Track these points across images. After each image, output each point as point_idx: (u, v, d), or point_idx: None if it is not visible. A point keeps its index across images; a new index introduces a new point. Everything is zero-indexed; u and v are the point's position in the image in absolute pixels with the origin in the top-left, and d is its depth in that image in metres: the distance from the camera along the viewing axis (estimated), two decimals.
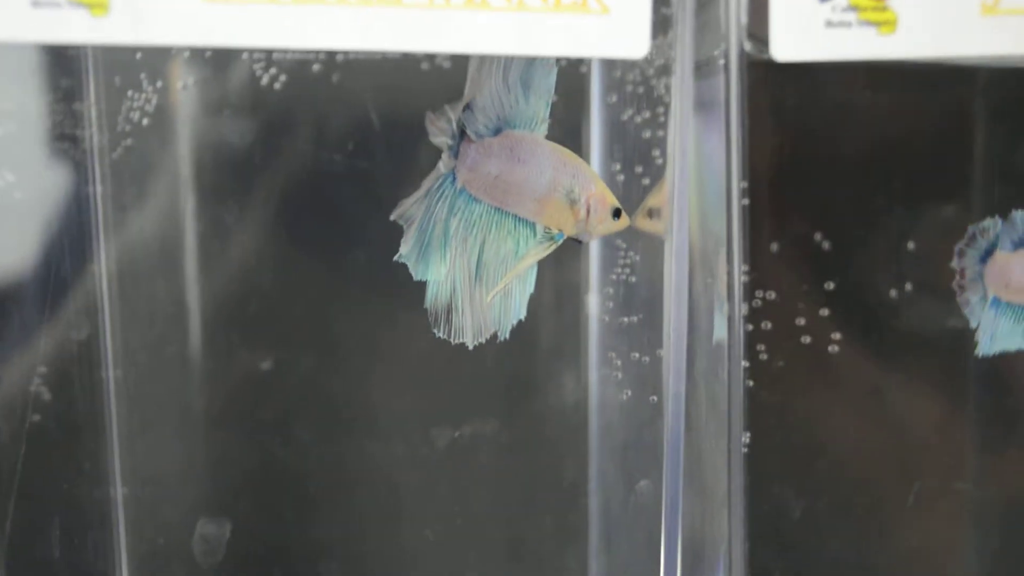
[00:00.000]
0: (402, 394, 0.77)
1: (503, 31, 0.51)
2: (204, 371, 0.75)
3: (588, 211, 0.59)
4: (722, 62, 0.55)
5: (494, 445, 0.76)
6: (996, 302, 0.63)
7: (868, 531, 0.65)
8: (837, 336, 0.61)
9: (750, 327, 0.57)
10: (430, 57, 0.70)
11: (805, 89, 0.61)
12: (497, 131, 0.58)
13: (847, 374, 0.62)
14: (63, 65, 0.70)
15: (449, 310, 0.60)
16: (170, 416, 0.75)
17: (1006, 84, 0.65)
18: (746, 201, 0.55)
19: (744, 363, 0.57)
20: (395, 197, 0.73)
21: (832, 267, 0.61)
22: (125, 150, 0.72)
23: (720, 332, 0.58)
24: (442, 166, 0.59)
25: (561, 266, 0.73)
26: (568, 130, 0.67)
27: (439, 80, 0.71)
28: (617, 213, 0.59)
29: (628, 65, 0.59)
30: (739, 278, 0.55)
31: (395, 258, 0.59)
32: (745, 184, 0.55)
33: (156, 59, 0.72)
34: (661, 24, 0.54)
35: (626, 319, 0.64)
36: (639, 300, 0.60)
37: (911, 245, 0.64)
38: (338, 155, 0.73)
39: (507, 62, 0.57)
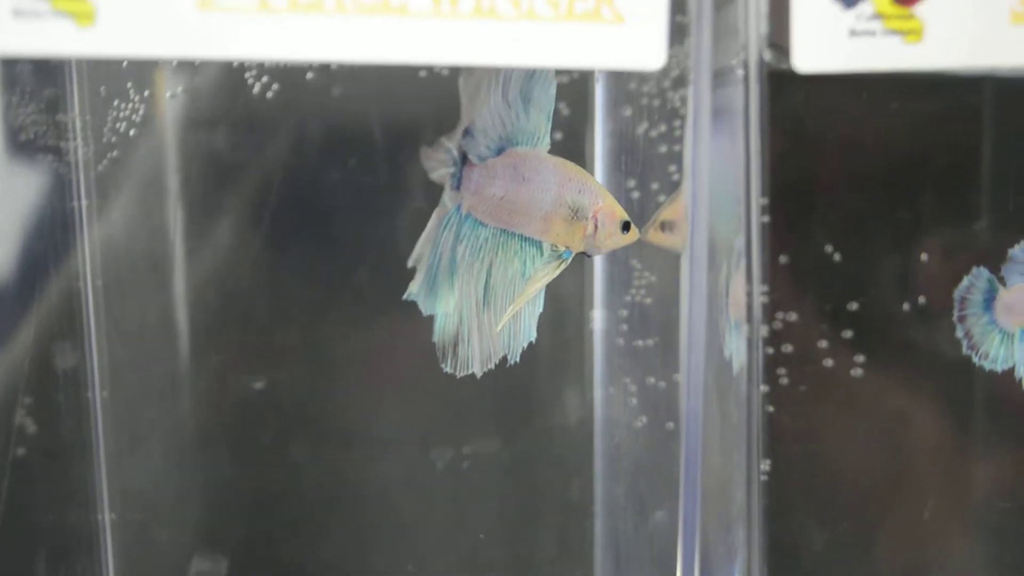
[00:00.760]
0: (401, 413, 0.74)
1: (512, 42, 0.49)
2: (194, 391, 0.72)
3: (596, 226, 0.56)
4: (740, 72, 0.53)
5: (496, 466, 0.74)
6: None
7: (893, 562, 0.62)
8: (861, 359, 0.58)
9: (770, 350, 0.55)
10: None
11: (828, 100, 0.58)
12: (500, 150, 0.56)
13: (871, 398, 0.60)
14: (45, 73, 0.67)
15: (456, 342, 0.57)
16: (159, 438, 0.72)
17: None
18: (766, 218, 0.52)
19: (763, 387, 0.54)
20: (392, 209, 0.70)
21: (856, 287, 0.58)
22: (111, 162, 0.69)
23: (734, 355, 0.56)
24: (447, 200, 0.57)
25: (564, 282, 0.70)
26: (579, 145, 0.65)
27: (437, 88, 0.68)
28: (626, 226, 0.57)
29: (642, 76, 0.56)
30: (758, 299, 0.53)
31: (404, 297, 0.57)
32: (765, 201, 0.52)
33: (143, 67, 0.69)
34: (677, 33, 0.51)
35: (641, 342, 0.61)
36: (654, 323, 0.58)
37: (938, 262, 0.62)
38: (333, 167, 0.71)
39: (506, 78, 0.55)
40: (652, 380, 0.58)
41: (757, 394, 0.54)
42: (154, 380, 0.71)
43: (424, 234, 0.57)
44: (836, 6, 0.50)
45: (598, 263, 0.69)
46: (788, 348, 0.55)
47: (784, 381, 0.55)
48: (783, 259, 0.55)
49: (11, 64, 0.65)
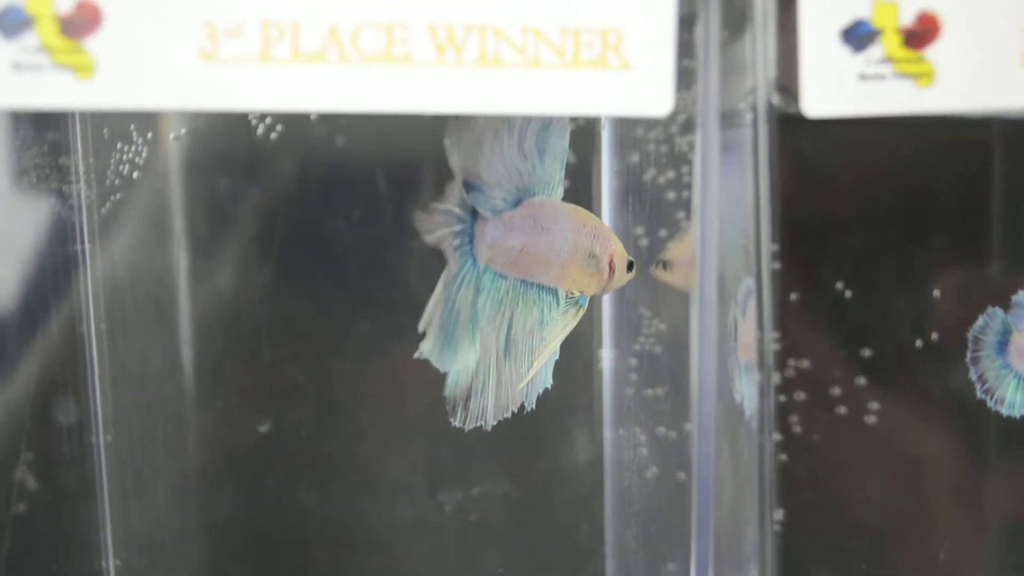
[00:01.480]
0: (409, 456, 0.73)
1: (517, 89, 0.48)
2: (199, 434, 0.71)
3: (612, 270, 0.56)
4: (749, 116, 0.52)
5: (505, 507, 0.73)
6: None
7: None
8: (875, 406, 0.57)
9: (782, 398, 0.54)
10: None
11: (838, 141, 0.58)
12: (516, 202, 0.55)
13: (887, 447, 0.59)
14: (48, 116, 0.67)
15: (468, 396, 0.57)
16: (163, 482, 0.71)
17: None
18: (777, 265, 0.51)
19: (776, 436, 0.53)
20: (399, 250, 0.70)
21: (869, 333, 0.57)
22: (114, 205, 0.69)
23: (745, 399, 0.55)
24: (452, 264, 0.56)
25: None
26: (586, 193, 0.64)
27: (442, 128, 0.67)
28: (631, 266, 0.57)
29: (649, 122, 0.56)
30: (770, 346, 0.52)
31: (416, 356, 0.56)
32: (776, 247, 0.51)
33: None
34: (684, 77, 0.50)
35: (651, 391, 0.60)
36: (664, 371, 0.57)
37: (952, 302, 0.61)
38: (339, 208, 0.70)
39: (521, 129, 0.54)
40: (663, 430, 0.57)
41: (770, 443, 0.53)
42: (158, 423, 0.71)
43: (433, 298, 0.56)
44: (845, 49, 0.49)
45: (606, 305, 0.68)
46: (801, 396, 0.54)
47: (797, 429, 0.54)
48: (794, 303, 0.54)
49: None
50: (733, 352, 0.56)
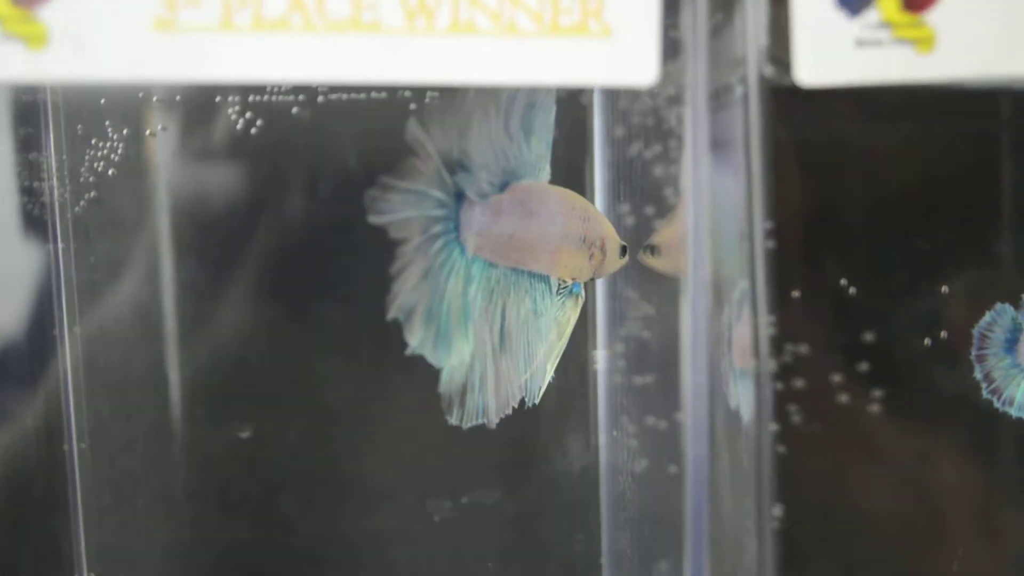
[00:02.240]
0: (397, 463, 0.70)
1: (493, 58, 0.46)
2: (178, 442, 0.68)
3: (604, 254, 0.54)
4: (740, 89, 0.49)
5: (498, 517, 0.70)
6: None
7: None
8: (879, 394, 0.54)
9: (779, 386, 0.51)
10: (419, 96, 0.64)
11: (836, 118, 0.55)
12: (503, 186, 0.53)
13: (891, 437, 0.56)
14: (18, 112, 0.65)
15: (464, 392, 0.54)
16: (142, 492, 0.69)
17: None
18: (771, 243, 0.48)
19: (773, 426, 0.50)
20: (385, 249, 0.67)
21: (872, 316, 0.54)
22: (89, 204, 0.66)
23: (741, 405, 0.52)
24: (422, 249, 0.52)
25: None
26: (570, 170, 0.62)
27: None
28: (624, 251, 0.55)
29: (635, 94, 0.53)
30: (766, 331, 0.49)
31: (408, 352, 0.53)
32: (770, 224, 0.48)
33: (121, 105, 0.66)
34: (671, 48, 0.48)
35: (639, 379, 0.57)
36: (653, 358, 0.54)
37: (957, 294, 0.58)
38: (323, 207, 0.68)
39: (507, 108, 0.51)
40: (652, 420, 0.54)
41: (766, 434, 0.50)
42: (136, 431, 0.68)
43: (405, 283, 0.53)
44: (840, 14, 0.47)
45: (600, 300, 0.66)
46: (799, 383, 0.51)
47: (796, 419, 0.51)
48: (791, 287, 0.51)
49: None
50: (727, 357, 0.53)
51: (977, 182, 0.59)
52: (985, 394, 0.59)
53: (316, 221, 0.68)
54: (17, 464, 0.65)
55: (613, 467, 0.67)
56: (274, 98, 0.65)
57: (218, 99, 0.66)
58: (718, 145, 0.50)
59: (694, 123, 0.49)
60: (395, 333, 0.68)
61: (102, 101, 0.66)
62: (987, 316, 0.60)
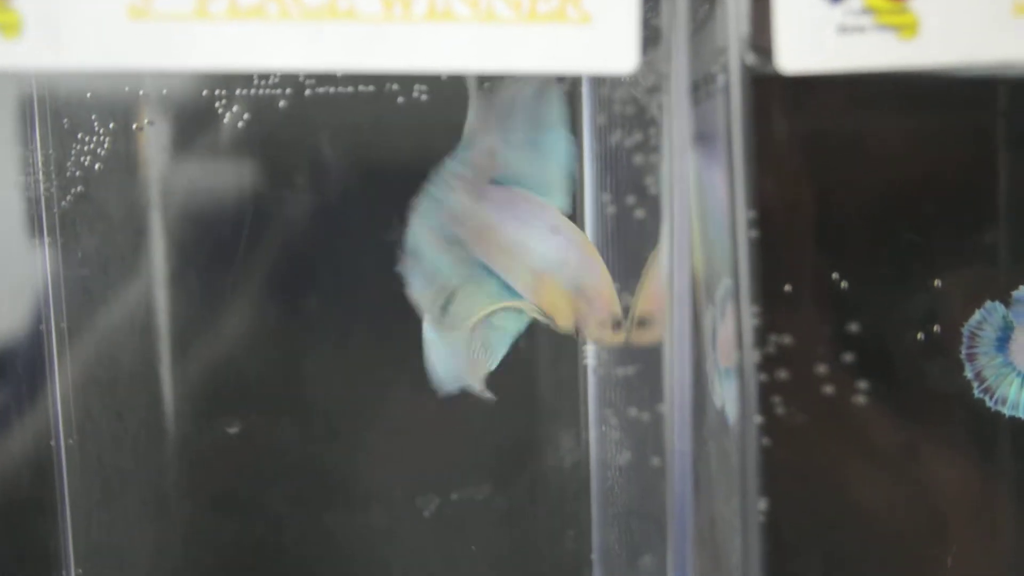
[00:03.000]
0: (387, 459, 0.70)
1: (470, 45, 0.45)
2: (167, 438, 0.68)
3: (591, 310, 0.53)
4: (722, 78, 0.49)
5: (487, 513, 0.69)
6: None
7: None
8: (864, 386, 0.53)
9: (763, 377, 0.50)
10: (407, 90, 0.64)
11: (819, 106, 0.54)
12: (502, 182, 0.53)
13: (877, 429, 0.55)
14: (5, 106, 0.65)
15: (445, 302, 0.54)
16: (130, 489, 0.68)
17: None
18: (755, 233, 0.48)
19: (758, 418, 0.50)
20: (375, 243, 0.66)
21: (857, 306, 0.54)
22: (76, 198, 0.66)
23: (727, 405, 0.51)
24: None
25: None
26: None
27: (416, 113, 0.64)
28: (618, 325, 0.54)
29: (615, 82, 0.53)
30: (749, 321, 0.49)
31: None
32: (753, 214, 0.48)
33: (108, 99, 0.66)
34: (652, 37, 0.47)
35: (622, 370, 0.57)
36: (637, 349, 0.54)
37: (945, 281, 0.57)
38: (309, 198, 0.67)
39: (513, 116, 0.51)
40: (635, 411, 0.54)
41: (752, 426, 0.49)
42: (123, 426, 0.68)
43: None
44: (822, 1, 0.46)
45: None
46: (784, 375, 0.50)
47: (780, 411, 0.51)
48: (775, 277, 0.51)
49: None
50: (713, 356, 0.52)
51: (966, 173, 0.58)
52: (977, 393, 0.58)
53: (304, 214, 0.68)
54: (4, 461, 0.64)
55: (603, 463, 0.67)
56: (261, 91, 0.65)
57: (205, 92, 0.66)
58: (702, 137, 0.50)
59: (675, 112, 0.49)
60: (388, 327, 0.67)
61: (88, 95, 0.66)
62: (977, 315, 0.59)
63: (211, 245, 0.68)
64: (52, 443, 0.66)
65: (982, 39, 0.47)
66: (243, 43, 0.44)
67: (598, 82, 0.56)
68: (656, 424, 0.51)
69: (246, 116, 0.66)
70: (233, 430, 0.67)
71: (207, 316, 0.68)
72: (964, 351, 0.59)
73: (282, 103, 0.65)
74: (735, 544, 0.49)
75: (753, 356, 0.49)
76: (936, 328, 0.58)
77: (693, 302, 0.50)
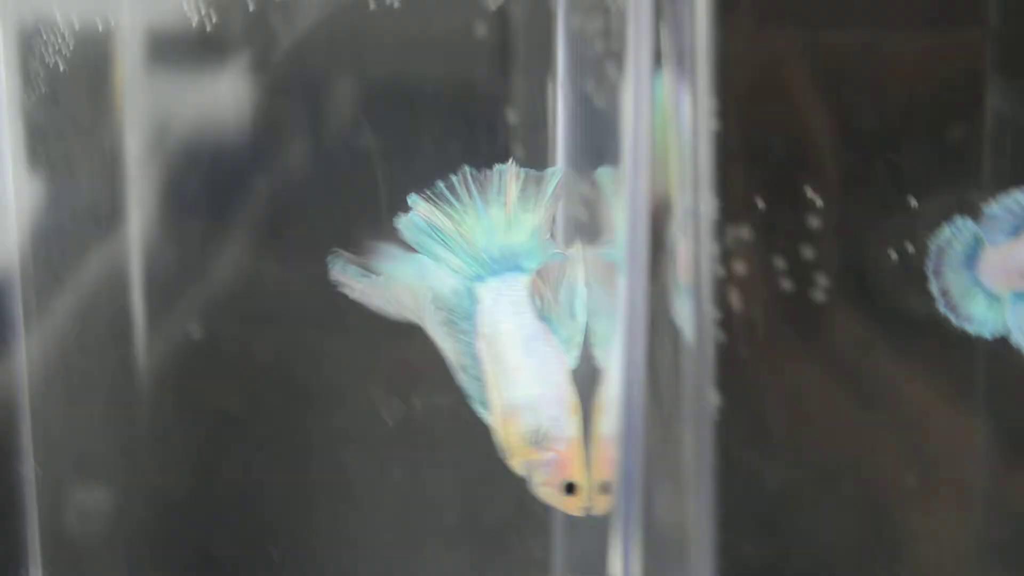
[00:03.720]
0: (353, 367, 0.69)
1: None
2: (132, 343, 0.67)
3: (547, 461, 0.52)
4: None
5: (455, 422, 0.68)
6: (1020, 296, 0.56)
7: (859, 512, 0.57)
8: (825, 282, 0.53)
9: (721, 271, 0.49)
10: None
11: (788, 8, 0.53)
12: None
13: (838, 326, 0.54)
14: None
15: None
16: (92, 390, 0.67)
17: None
18: (717, 125, 0.47)
19: (715, 313, 0.49)
20: (347, 150, 0.65)
21: (818, 201, 0.53)
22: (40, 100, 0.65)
23: (684, 325, 0.50)
24: None
25: None
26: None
27: (389, 22, 0.63)
28: (570, 489, 0.53)
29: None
30: (706, 212, 0.48)
31: None
32: (716, 103, 0.47)
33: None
34: None
35: None
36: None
37: (914, 178, 0.57)
38: (284, 114, 0.66)
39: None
40: None
41: (707, 322, 0.48)
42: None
43: None
44: None
45: None
46: (742, 268, 0.50)
47: (737, 305, 0.50)
48: (735, 169, 0.50)
49: None
50: (672, 273, 0.52)
51: (937, 80, 0.57)
52: (942, 309, 0.58)
53: (276, 119, 0.66)
54: None
55: None
56: None
57: None
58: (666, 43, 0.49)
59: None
60: (357, 236, 0.66)
61: None
62: (945, 231, 0.58)
63: (181, 150, 0.67)
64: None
65: None
66: None
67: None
68: None
69: (214, 19, 0.64)
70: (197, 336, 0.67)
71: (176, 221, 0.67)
72: (931, 267, 0.58)
73: (251, 7, 0.64)
74: (687, 441, 0.49)
75: (710, 248, 0.48)
76: (908, 246, 0.58)
77: (655, 222, 0.50)
